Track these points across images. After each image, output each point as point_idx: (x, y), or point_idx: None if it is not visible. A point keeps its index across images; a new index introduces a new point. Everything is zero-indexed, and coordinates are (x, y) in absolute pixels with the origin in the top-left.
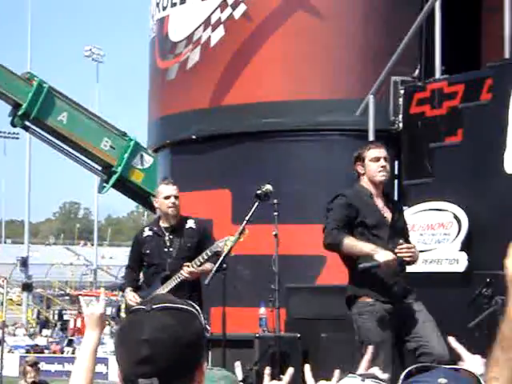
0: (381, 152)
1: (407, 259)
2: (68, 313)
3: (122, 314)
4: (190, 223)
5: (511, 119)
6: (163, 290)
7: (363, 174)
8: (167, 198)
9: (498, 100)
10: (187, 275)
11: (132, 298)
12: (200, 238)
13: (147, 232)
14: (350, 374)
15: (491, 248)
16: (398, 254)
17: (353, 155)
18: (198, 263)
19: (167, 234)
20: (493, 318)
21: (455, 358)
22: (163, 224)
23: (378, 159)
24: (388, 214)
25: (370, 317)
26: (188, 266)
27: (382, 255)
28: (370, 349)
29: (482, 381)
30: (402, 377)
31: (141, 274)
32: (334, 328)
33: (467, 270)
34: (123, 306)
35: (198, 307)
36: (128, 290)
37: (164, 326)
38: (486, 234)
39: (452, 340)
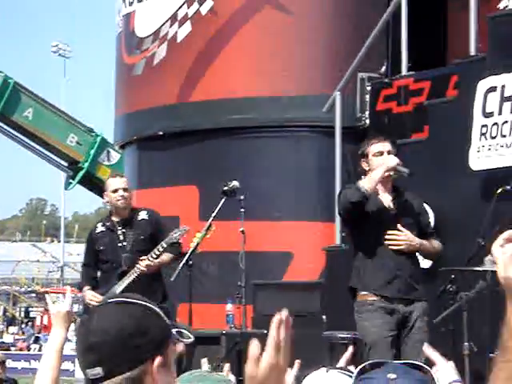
0: (384, 146)
1: (394, 247)
2: (35, 310)
3: None
4: (142, 215)
5: (476, 116)
6: (120, 285)
7: (369, 171)
8: (115, 191)
9: (463, 97)
10: (144, 269)
11: (91, 297)
12: (154, 230)
13: (100, 228)
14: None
15: (456, 244)
16: (386, 242)
17: (358, 153)
18: (155, 256)
19: (119, 228)
20: (457, 314)
21: (429, 363)
22: (115, 218)
23: (381, 153)
24: (393, 211)
25: (368, 316)
26: (144, 260)
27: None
28: (351, 348)
29: (433, 374)
30: (355, 373)
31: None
32: (301, 324)
33: (432, 267)
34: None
35: (158, 309)
36: (86, 288)
37: (110, 317)
38: (451, 230)
39: (426, 347)
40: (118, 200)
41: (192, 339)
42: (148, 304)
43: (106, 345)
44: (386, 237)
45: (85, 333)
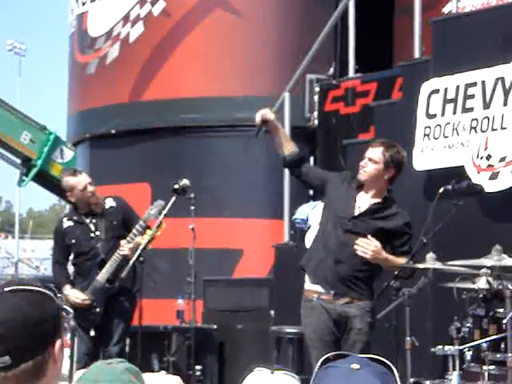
0: (368, 152)
1: (361, 254)
2: None
3: None
4: (109, 202)
5: (420, 117)
6: (104, 274)
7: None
8: (84, 189)
9: (407, 98)
10: (128, 252)
11: (77, 294)
12: (124, 214)
13: (67, 222)
14: (258, 368)
15: None
16: (355, 247)
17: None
18: (134, 236)
19: (89, 220)
20: (400, 310)
21: None
22: (82, 211)
23: (363, 158)
24: (359, 210)
25: (307, 312)
26: (125, 244)
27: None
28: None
29: (394, 369)
30: (319, 363)
31: (69, 267)
32: (250, 319)
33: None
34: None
35: (50, 292)
36: (67, 287)
37: (13, 307)
38: None
39: None
40: (90, 197)
41: (71, 313)
42: (43, 289)
43: (13, 335)
44: (357, 241)
45: None
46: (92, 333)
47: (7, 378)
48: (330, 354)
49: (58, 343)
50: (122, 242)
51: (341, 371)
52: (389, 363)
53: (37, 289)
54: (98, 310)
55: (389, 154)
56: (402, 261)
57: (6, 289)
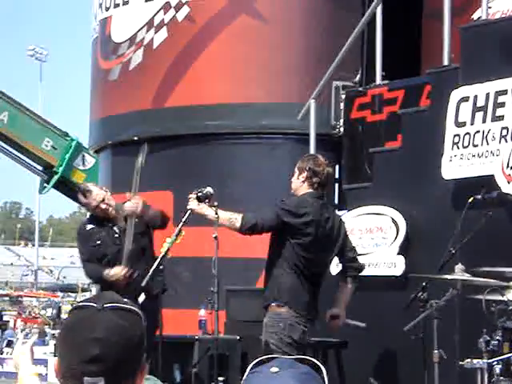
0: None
1: None
2: (8, 313)
3: (63, 316)
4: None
5: (449, 125)
6: (128, 240)
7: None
8: (96, 207)
9: (436, 106)
10: (133, 208)
11: (120, 271)
12: (141, 212)
13: (90, 225)
14: None
15: (428, 252)
16: None
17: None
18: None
19: (111, 224)
20: (428, 322)
21: None
22: (100, 215)
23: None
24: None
25: None
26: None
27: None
28: None
29: (322, 368)
30: (249, 368)
31: None
32: None
33: (404, 274)
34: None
35: (139, 311)
36: (107, 271)
37: (115, 327)
38: (422, 238)
39: None
40: (108, 209)
41: None
42: (137, 309)
43: (113, 356)
44: None
45: (87, 342)
46: (141, 298)
47: None
48: (259, 358)
49: (143, 368)
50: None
51: (259, 376)
52: (318, 363)
53: (133, 308)
54: (137, 272)
55: (302, 162)
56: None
57: (105, 305)
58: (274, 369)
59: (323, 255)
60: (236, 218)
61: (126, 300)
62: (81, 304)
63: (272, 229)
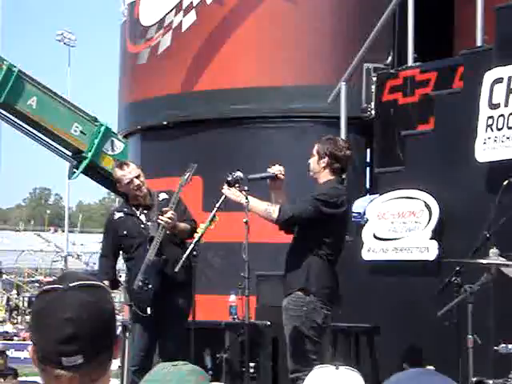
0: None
1: None
2: None
3: None
4: (163, 196)
5: (482, 108)
6: (152, 252)
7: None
8: (130, 182)
9: (469, 88)
10: (167, 219)
11: None
12: (176, 207)
13: (118, 214)
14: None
15: (461, 236)
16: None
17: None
18: (173, 205)
19: (139, 212)
20: (462, 307)
21: None
22: (133, 203)
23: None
24: None
25: None
26: (164, 212)
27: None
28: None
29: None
30: None
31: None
32: None
33: (437, 259)
34: None
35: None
36: (105, 284)
37: (85, 304)
38: (456, 222)
39: None
40: (136, 190)
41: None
42: (101, 284)
43: (86, 334)
44: None
45: (60, 322)
46: (148, 311)
47: (74, 377)
48: None
49: (117, 339)
50: (165, 209)
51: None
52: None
53: (97, 283)
54: (150, 286)
55: (322, 145)
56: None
57: (70, 284)
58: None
59: (343, 240)
60: (273, 210)
61: (89, 276)
62: (46, 288)
63: (308, 221)
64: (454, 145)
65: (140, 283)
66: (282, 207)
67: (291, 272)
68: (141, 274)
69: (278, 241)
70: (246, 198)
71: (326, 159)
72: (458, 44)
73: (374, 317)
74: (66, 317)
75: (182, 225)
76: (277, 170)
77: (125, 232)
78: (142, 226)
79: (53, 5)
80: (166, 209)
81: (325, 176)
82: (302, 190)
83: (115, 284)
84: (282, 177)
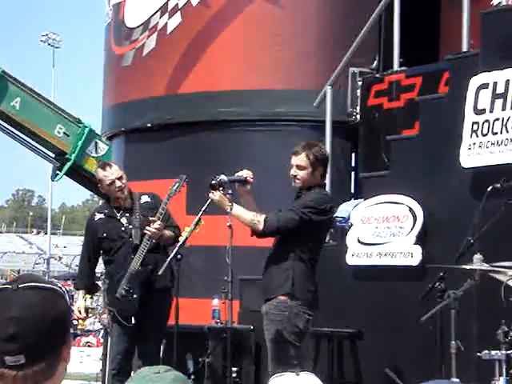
0: (293, 160)
1: None
2: None
3: (74, 304)
4: (145, 198)
5: (468, 113)
6: (137, 261)
7: None
8: (111, 184)
9: (454, 93)
10: (154, 230)
11: (77, 312)
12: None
13: (99, 215)
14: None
15: (445, 242)
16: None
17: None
18: (160, 216)
19: (120, 214)
20: (445, 313)
21: None
22: (114, 205)
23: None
24: None
25: None
26: (150, 223)
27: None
28: None
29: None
30: None
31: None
32: None
33: (421, 264)
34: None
35: (62, 290)
36: (80, 293)
37: (30, 304)
38: (440, 227)
39: None
40: (118, 191)
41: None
42: (55, 287)
43: (29, 333)
44: None
45: (4, 321)
46: (133, 320)
47: (17, 377)
48: None
49: (68, 343)
50: (152, 219)
51: None
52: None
53: (50, 286)
54: (134, 296)
55: (313, 155)
56: None
57: (20, 285)
58: None
59: (323, 244)
60: (259, 221)
61: (45, 279)
62: (0, 287)
63: (292, 231)
64: (439, 150)
65: (123, 292)
66: (268, 218)
67: (273, 276)
68: (125, 282)
69: (262, 245)
70: (231, 203)
71: (321, 169)
72: (443, 49)
73: (358, 322)
74: (10, 316)
75: (167, 232)
76: (246, 173)
77: (104, 234)
78: (123, 228)
79: (38, 6)
80: (153, 219)
81: (313, 183)
82: (288, 193)
83: (94, 288)
84: (251, 180)
